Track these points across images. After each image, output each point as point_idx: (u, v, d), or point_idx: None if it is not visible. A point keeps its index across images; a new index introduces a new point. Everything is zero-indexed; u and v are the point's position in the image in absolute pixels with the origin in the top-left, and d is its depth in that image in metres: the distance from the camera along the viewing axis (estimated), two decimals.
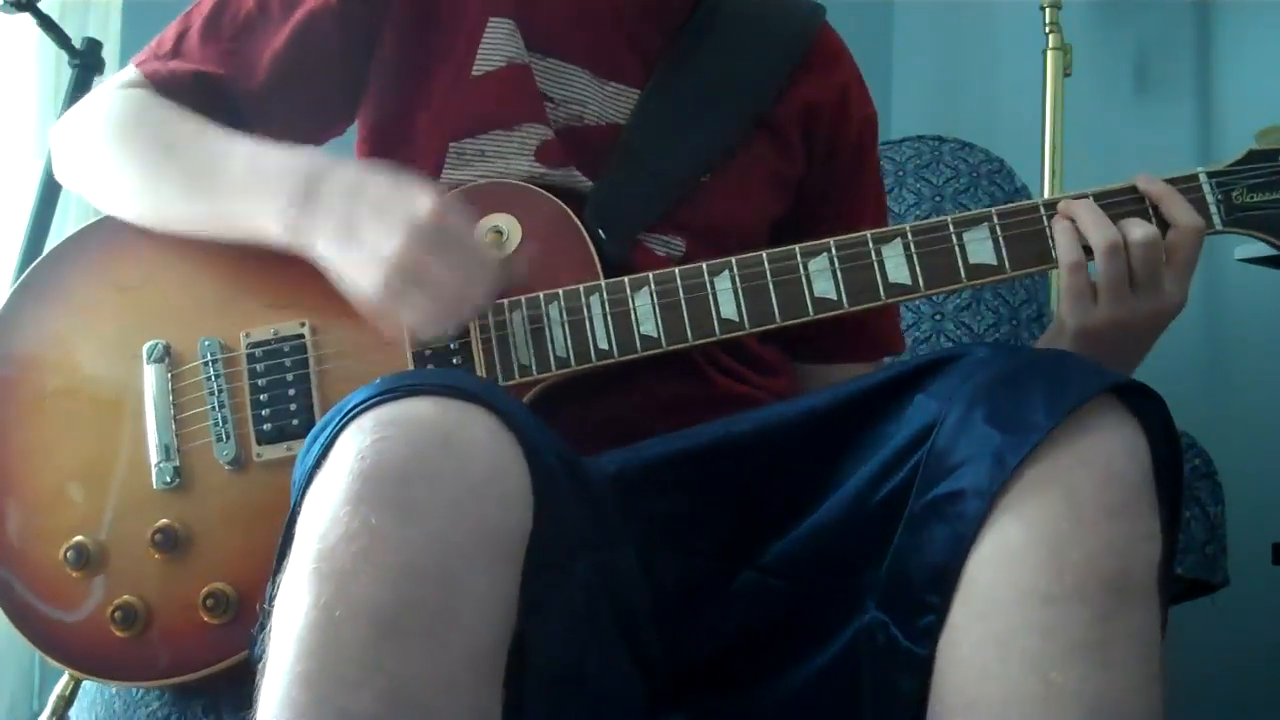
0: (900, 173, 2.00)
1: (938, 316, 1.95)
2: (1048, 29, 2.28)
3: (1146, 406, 0.89)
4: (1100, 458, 0.85)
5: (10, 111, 2.18)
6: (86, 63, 1.82)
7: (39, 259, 1.22)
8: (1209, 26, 2.31)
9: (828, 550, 0.97)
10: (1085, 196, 1.10)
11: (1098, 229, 1.06)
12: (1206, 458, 1.56)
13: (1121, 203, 1.10)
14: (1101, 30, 2.44)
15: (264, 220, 1.09)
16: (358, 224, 1.04)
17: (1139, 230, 1.06)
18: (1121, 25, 2.42)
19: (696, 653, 1.04)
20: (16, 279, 1.71)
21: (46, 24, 1.80)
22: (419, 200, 1.02)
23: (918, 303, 1.94)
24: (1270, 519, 1.99)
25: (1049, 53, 2.27)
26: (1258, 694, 2.13)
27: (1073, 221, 1.08)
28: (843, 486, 0.96)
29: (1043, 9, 2.29)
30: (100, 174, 1.22)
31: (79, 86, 1.82)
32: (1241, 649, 2.11)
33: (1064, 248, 1.07)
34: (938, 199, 1.99)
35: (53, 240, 1.82)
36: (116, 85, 1.24)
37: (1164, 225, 1.08)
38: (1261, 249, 1.85)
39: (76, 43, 1.83)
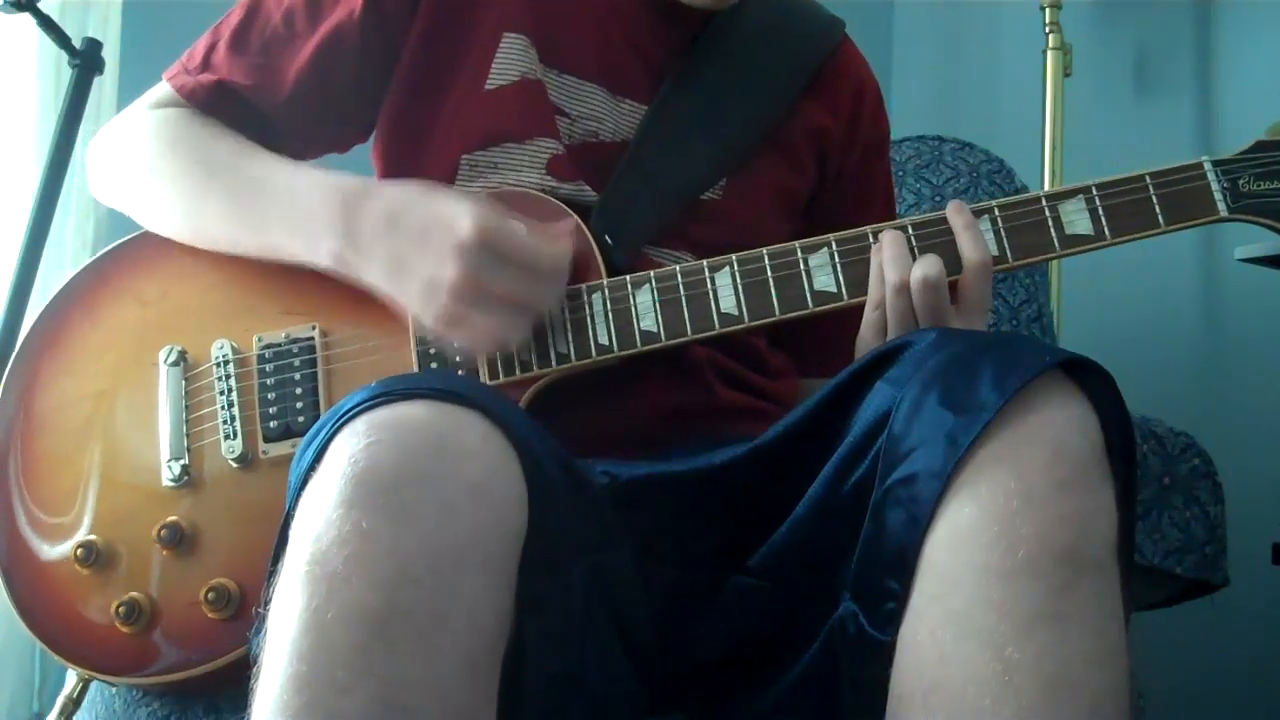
0: (900, 173, 2.00)
1: None
2: (1048, 29, 2.28)
3: (1095, 382, 0.89)
4: (1048, 433, 0.84)
5: (10, 111, 2.18)
6: (86, 63, 1.82)
7: (71, 277, 1.25)
8: (1209, 26, 2.30)
9: (805, 547, 0.97)
10: (893, 229, 1.10)
11: (890, 266, 1.08)
12: (1206, 458, 1.56)
13: (932, 233, 1.10)
14: (1101, 30, 2.43)
15: (308, 252, 1.13)
16: (405, 255, 1.06)
17: (920, 270, 1.07)
18: (1121, 25, 2.42)
19: (692, 656, 1.04)
20: (16, 279, 1.73)
21: (46, 24, 1.80)
22: (460, 222, 1.04)
23: None
24: (1270, 519, 1.98)
25: (1049, 53, 2.28)
26: (1258, 694, 2.13)
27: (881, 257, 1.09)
28: (814, 482, 0.96)
29: (1043, 9, 2.29)
30: (141, 194, 1.25)
31: (79, 86, 1.82)
32: (1241, 649, 2.11)
33: (872, 283, 1.09)
34: (938, 199, 1.98)
35: (52, 240, 1.83)
36: (150, 103, 1.28)
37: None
38: (1261, 249, 1.86)
39: (76, 43, 1.83)
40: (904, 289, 1.07)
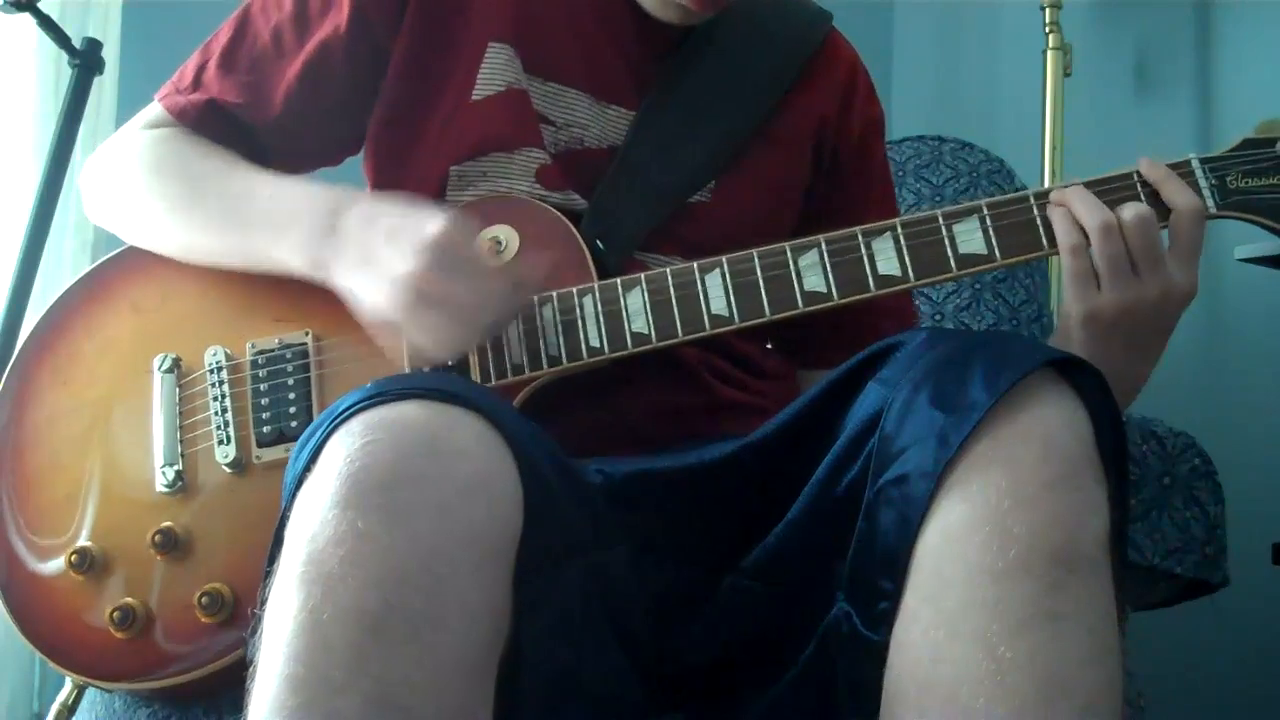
0: (900, 173, 2.00)
1: (938, 317, 1.94)
2: (1048, 29, 2.28)
3: (1086, 380, 0.88)
4: (1039, 431, 0.84)
5: (10, 111, 2.18)
6: (86, 63, 1.82)
7: (66, 286, 1.26)
8: (1209, 26, 2.30)
9: (799, 548, 0.97)
10: (1077, 184, 1.09)
11: (1091, 212, 1.05)
12: (1206, 458, 1.56)
13: (1117, 188, 1.09)
14: (1101, 30, 2.44)
15: (287, 255, 1.14)
16: (373, 249, 1.07)
17: (1129, 211, 1.05)
18: (1121, 25, 2.42)
19: (689, 657, 1.04)
20: (16, 278, 1.73)
21: (46, 24, 1.81)
22: (429, 223, 1.05)
23: (917, 303, 1.94)
24: (1270, 519, 1.99)
25: (1049, 53, 2.28)
26: (1258, 694, 2.12)
27: (1068, 208, 1.07)
28: (808, 483, 0.96)
29: (1043, 9, 2.29)
30: (131, 213, 1.26)
31: (79, 86, 1.82)
32: (1241, 649, 2.11)
33: (1061, 232, 1.06)
34: (938, 199, 1.98)
35: (52, 240, 1.83)
36: (142, 124, 1.29)
37: (1166, 209, 1.07)
38: (1261, 249, 1.86)
39: (76, 43, 1.83)
40: (1113, 230, 1.04)
